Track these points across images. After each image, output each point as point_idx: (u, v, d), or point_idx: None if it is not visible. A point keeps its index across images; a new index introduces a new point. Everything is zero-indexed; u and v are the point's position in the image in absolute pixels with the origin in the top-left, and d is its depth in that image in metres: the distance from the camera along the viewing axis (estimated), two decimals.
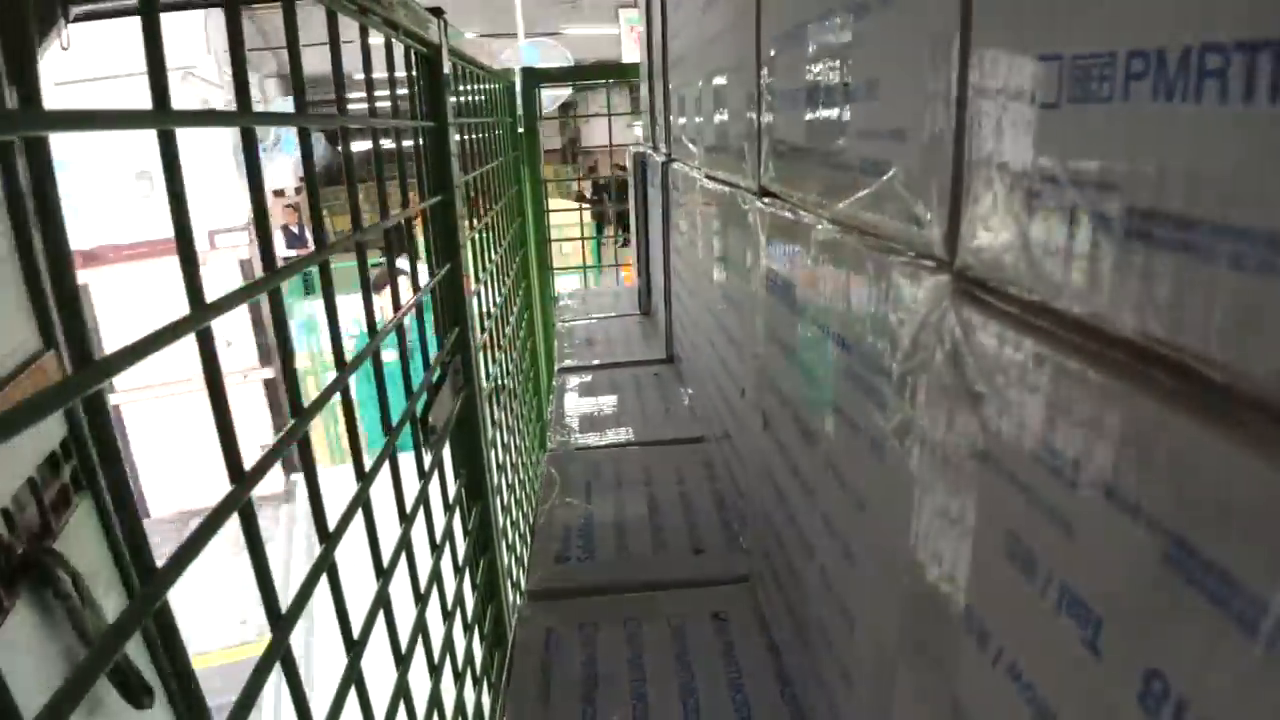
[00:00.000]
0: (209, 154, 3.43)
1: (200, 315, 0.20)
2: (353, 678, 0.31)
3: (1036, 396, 0.18)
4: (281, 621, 0.25)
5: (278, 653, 0.24)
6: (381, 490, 0.36)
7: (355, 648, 0.31)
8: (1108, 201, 0.16)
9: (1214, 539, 0.13)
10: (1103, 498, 0.15)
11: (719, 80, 0.56)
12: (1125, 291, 0.15)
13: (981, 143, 0.21)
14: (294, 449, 0.27)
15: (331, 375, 0.32)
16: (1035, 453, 0.18)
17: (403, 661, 0.39)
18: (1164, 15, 0.14)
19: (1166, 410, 0.14)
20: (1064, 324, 0.18)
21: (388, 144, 0.46)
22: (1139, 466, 0.15)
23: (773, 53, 0.41)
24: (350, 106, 0.37)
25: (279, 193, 5.10)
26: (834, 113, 0.32)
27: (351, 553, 0.32)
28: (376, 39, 0.42)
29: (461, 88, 0.67)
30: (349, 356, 0.33)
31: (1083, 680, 0.16)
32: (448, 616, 0.48)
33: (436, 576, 0.46)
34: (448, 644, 0.47)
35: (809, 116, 0.35)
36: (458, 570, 0.53)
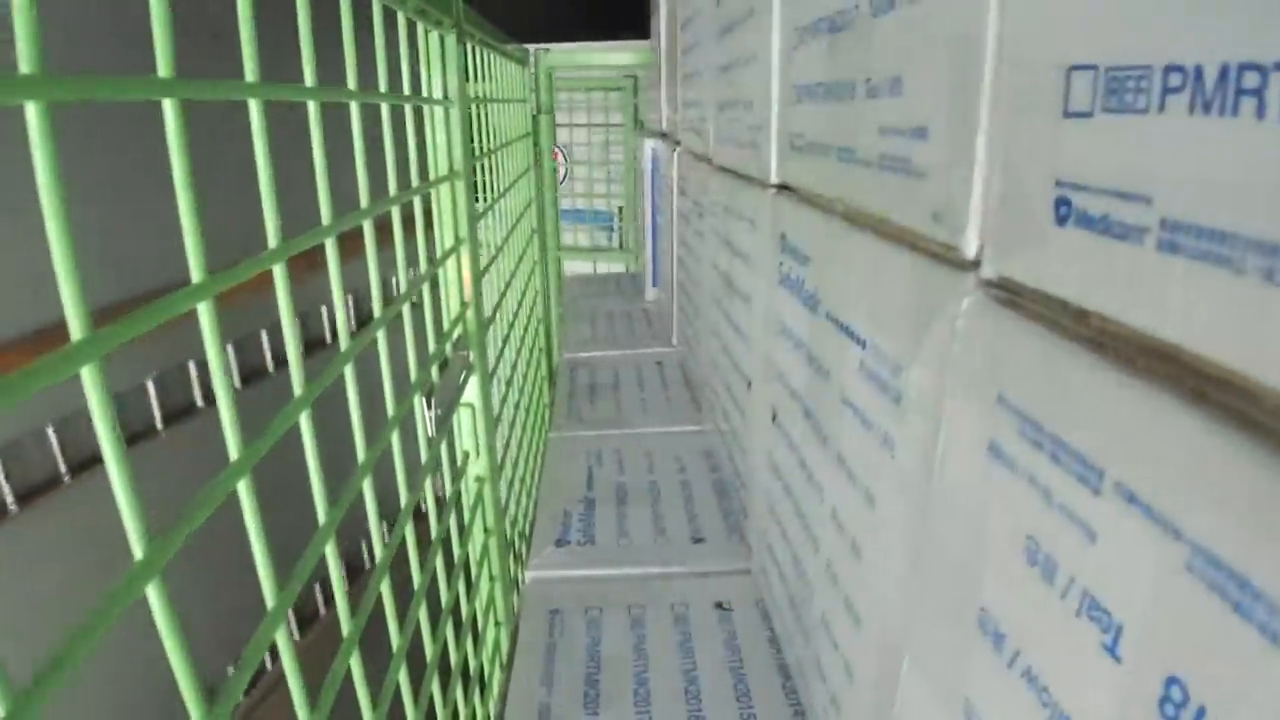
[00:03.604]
0: None
1: (208, 284, 0.20)
2: (347, 663, 0.30)
3: (1058, 399, 0.18)
4: (283, 594, 0.25)
5: (274, 626, 0.24)
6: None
7: (355, 620, 0.31)
8: (1138, 212, 0.15)
9: (1237, 547, 0.13)
10: (1125, 502, 0.15)
11: (734, 70, 0.55)
12: (1154, 299, 0.15)
13: (1008, 146, 0.20)
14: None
15: None
16: (1056, 455, 0.17)
17: (403, 639, 0.39)
18: (1203, 32, 0.14)
19: (1192, 417, 0.14)
20: (1087, 328, 0.17)
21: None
22: (1163, 472, 0.14)
23: (791, 44, 0.40)
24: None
25: None
26: (854, 108, 0.31)
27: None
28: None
29: (477, 67, 0.66)
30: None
31: (1101, 685, 0.16)
32: (450, 599, 0.48)
33: (441, 555, 0.46)
34: (445, 626, 0.47)
35: (828, 110, 0.35)
36: (462, 552, 0.53)
